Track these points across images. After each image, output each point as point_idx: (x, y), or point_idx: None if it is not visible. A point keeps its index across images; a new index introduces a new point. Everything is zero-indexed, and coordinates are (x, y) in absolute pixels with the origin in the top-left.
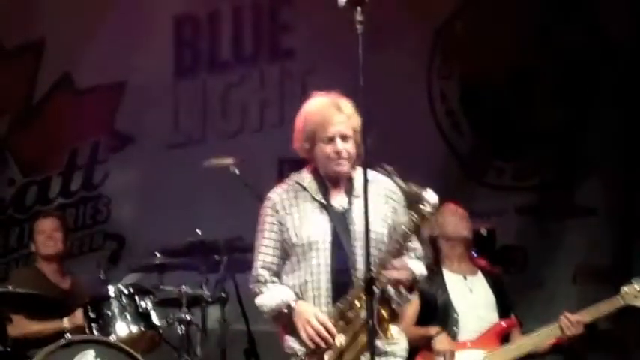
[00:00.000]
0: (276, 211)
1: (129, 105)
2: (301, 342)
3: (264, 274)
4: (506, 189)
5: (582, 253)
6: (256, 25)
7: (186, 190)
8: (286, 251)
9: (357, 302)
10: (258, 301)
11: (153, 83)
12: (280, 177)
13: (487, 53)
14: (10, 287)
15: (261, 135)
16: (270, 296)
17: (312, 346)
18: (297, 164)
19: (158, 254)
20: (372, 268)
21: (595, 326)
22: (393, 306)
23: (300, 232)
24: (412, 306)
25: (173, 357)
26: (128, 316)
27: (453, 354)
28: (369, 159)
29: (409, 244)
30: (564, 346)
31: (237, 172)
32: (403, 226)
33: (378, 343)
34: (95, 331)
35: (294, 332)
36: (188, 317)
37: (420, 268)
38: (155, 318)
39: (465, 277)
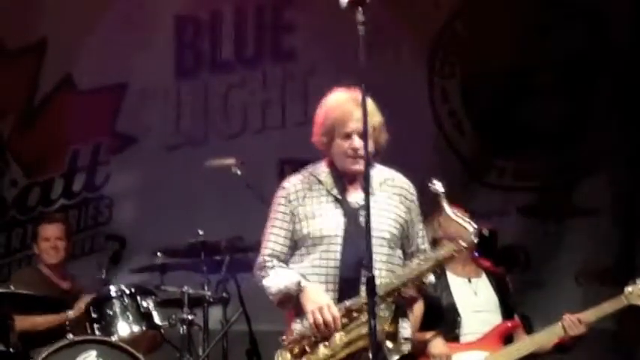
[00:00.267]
0: (290, 201)
1: (130, 106)
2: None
3: (272, 260)
4: (508, 189)
5: (584, 253)
6: (258, 25)
7: (188, 191)
8: (296, 242)
9: (366, 305)
10: (266, 282)
11: (154, 84)
12: (281, 178)
13: (488, 53)
14: (11, 288)
15: (263, 136)
16: (279, 277)
17: (315, 332)
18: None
19: (160, 255)
20: (381, 271)
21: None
22: (396, 329)
23: (312, 225)
24: (417, 311)
25: (175, 357)
26: (130, 317)
27: (449, 358)
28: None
29: (419, 246)
30: (567, 346)
31: (238, 172)
32: (437, 254)
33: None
34: (97, 332)
35: (300, 315)
36: (190, 317)
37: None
38: (157, 318)
39: (469, 280)
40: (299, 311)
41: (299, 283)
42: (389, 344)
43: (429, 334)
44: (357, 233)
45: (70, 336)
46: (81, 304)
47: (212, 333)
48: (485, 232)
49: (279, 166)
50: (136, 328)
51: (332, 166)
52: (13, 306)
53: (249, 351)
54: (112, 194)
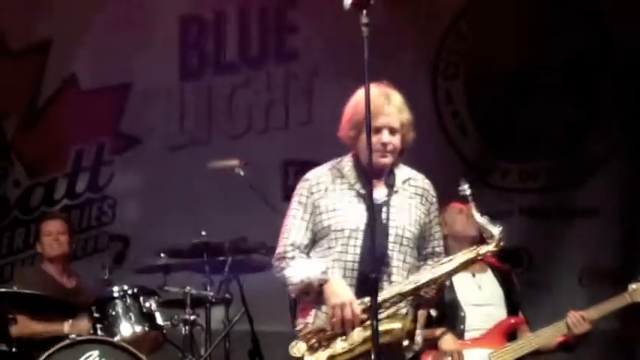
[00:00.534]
0: (312, 193)
1: (134, 106)
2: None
3: (293, 252)
4: (511, 190)
5: (587, 253)
6: (262, 26)
7: (191, 192)
8: (315, 234)
9: (387, 303)
10: (287, 272)
11: (158, 84)
12: (285, 179)
13: (492, 54)
14: (14, 287)
15: (267, 137)
16: (301, 267)
17: (333, 327)
18: (302, 166)
19: (163, 255)
20: (398, 269)
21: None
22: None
23: (333, 218)
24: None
25: (177, 357)
26: (132, 317)
27: (460, 354)
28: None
29: (436, 249)
30: (571, 345)
31: (242, 173)
32: (464, 256)
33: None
34: (100, 332)
35: (318, 306)
36: (192, 318)
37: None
38: (159, 319)
39: (473, 275)
40: (318, 302)
41: (324, 273)
42: (406, 342)
43: (438, 331)
44: (378, 229)
45: (73, 336)
46: (79, 327)
47: (214, 333)
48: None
49: (282, 166)
50: (138, 329)
51: (357, 160)
52: (15, 306)
53: (251, 351)
54: (116, 194)
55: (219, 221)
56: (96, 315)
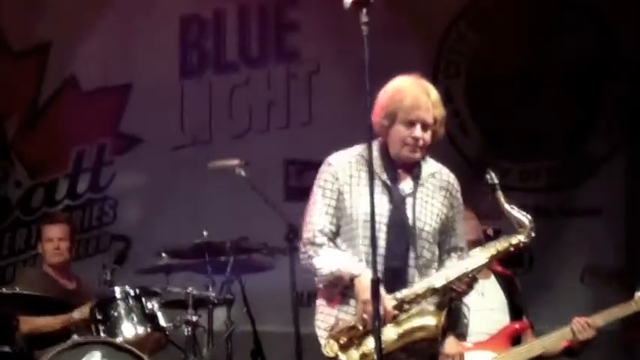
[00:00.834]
0: (337, 179)
1: (135, 106)
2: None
3: (321, 237)
4: (512, 190)
5: (589, 253)
6: (262, 26)
7: (193, 192)
8: (339, 220)
9: (420, 298)
10: (316, 262)
11: (159, 84)
12: (286, 178)
13: (494, 53)
14: (16, 289)
15: (268, 136)
16: (332, 258)
17: (365, 324)
18: (303, 166)
19: (164, 255)
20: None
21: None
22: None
23: (357, 207)
24: None
25: (179, 358)
26: (135, 318)
27: (462, 357)
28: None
29: (459, 244)
30: (575, 351)
31: (243, 173)
32: (495, 248)
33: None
34: (102, 333)
35: (345, 302)
36: (194, 319)
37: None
38: (161, 319)
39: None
40: (345, 295)
41: (355, 268)
42: (440, 339)
43: None
44: (402, 221)
45: (75, 337)
46: (86, 308)
47: (216, 334)
48: (490, 232)
49: (283, 166)
50: (140, 330)
51: (384, 149)
52: (17, 307)
53: (253, 352)
54: (117, 195)
55: (221, 221)
56: (98, 316)
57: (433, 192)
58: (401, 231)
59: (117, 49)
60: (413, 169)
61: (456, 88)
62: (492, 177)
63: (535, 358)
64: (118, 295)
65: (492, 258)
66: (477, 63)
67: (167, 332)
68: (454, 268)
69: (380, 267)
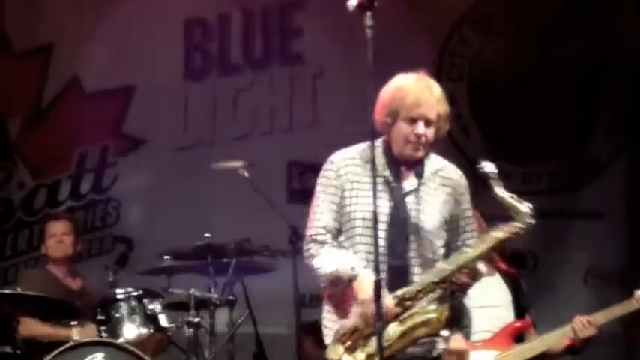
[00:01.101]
0: (339, 176)
1: (138, 108)
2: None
3: (325, 234)
4: (515, 193)
5: (592, 255)
6: (266, 28)
7: (195, 193)
8: (342, 217)
9: (421, 294)
10: (316, 262)
11: (162, 86)
12: (289, 181)
13: (495, 56)
14: (19, 289)
15: (271, 138)
16: (331, 258)
17: (365, 323)
18: (306, 168)
19: (167, 257)
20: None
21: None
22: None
23: (358, 205)
24: None
25: (181, 359)
26: (137, 319)
27: (467, 353)
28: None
29: (466, 241)
30: (577, 349)
31: (246, 175)
32: (493, 236)
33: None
34: (104, 334)
35: (344, 305)
36: (196, 320)
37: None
38: (163, 320)
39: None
40: (346, 296)
41: (353, 269)
42: (445, 333)
43: (444, 331)
44: (404, 219)
45: (77, 338)
46: (88, 330)
47: (218, 335)
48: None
49: (287, 168)
50: (142, 331)
51: (387, 146)
52: (19, 307)
53: (255, 354)
54: (120, 196)
55: (223, 223)
56: (100, 317)
57: (436, 189)
58: (402, 229)
59: (120, 50)
60: (416, 167)
61: (459, 91)
62: (487, 167)
63: (537, 356)
64: (120, 296)
65: (491, 247)
66: (479, 65)
67: (169, 333)
68: (453, 260)
69: (382, 266)
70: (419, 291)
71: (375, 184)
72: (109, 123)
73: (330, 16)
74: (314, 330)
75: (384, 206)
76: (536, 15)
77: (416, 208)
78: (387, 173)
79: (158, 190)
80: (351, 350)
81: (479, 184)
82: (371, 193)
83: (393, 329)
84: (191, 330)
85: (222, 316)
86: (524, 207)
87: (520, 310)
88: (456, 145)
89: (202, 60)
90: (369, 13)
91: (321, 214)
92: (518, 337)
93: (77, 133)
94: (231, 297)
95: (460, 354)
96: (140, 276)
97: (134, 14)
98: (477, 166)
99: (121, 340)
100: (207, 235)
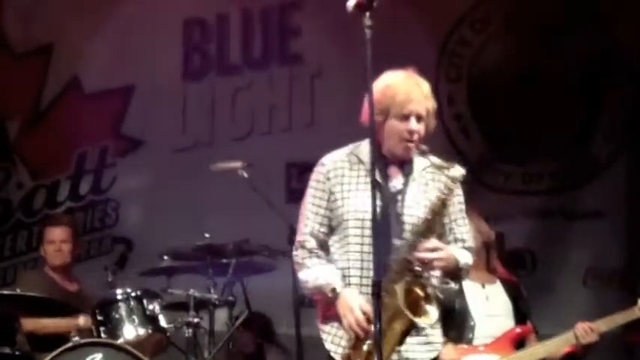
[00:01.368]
0: (328, 179)
1: (137, 108)
2: (338, 327)
3: (311, 240)
4: (515, 193)
5: (592, 256)
6: (265, 28)
7: (195, 194)
8: (331, 221)
9: (395, 287)
10: (302, 276)
11: (161, 87)
12: (289, 181)
13: (495, 57)
14: (18, 290)
15: (270, 138)
16: (316, 275)
17: (352, 334)
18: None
19: (166, 257)
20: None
21: None
22: (429, 291)
23: (347, 206)
24: None
25: None
26: (136, 320)
27: None
28: None
29: (457, 235)
30: (578, 356)
31: (245, 175)
32: (429, 203)
33: (418, 321)
34: (103, 334)
35: (331, 315)
36: (196, 320)
37: (464, 257)
38: (163, 321)
39: (482, 286)
40: (332, 311)
41: (334, 290)
42: (408, 313)
43: None
44: (392, 218)
45: (76, 338)
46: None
47: (218, 336)
48: (492, 235)
49: (286, 168)
50: (141, 331)
51: (377, 146)
52: (18, 308)
53: (255, 354)
54: (119, 197)
55: (223, 223)
56: (99, 317)
57: (426, 186)
58: (392, 228)
59: (120, 51)
60: (404, 165)
61: (458, 92)
62: (421, 148)
63: None
64: (119, 296)
65: (437, 205)
66: (479, 65)
67: (168, 334)
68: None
69: (372, 265)
70: (390, 287)
71: (374, 184)
72: (109, 123)
73: (328, 16)
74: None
75: (377, 204)
76: (536, 15)
77: (405, 206)
78: (376, 172)
79: (157, 191)
80: (356, 349)
81: (479, 184)
82: (360, 194)
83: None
84: (190, 330)
85: (221, 316)
86: (453, 166)
87: (521, 318)
88: (455, 145)
89: (201, 60)
90: (367, 14)
91: (307, 219)
92: (519, 343)
93: (76, 134)
94: (230, 297)
95: None
96: (139, 277)
97: (133, 15)
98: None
99: (120, 340)
100: (206, 235)
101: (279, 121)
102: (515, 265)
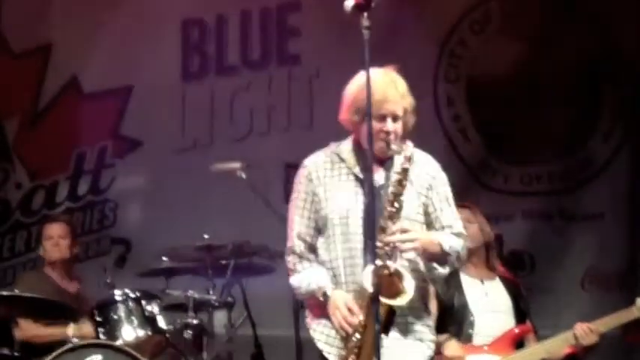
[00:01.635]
0: (310, 180)
1: (136, 109)
2: (330, 327)
3: (300, 245)
4: (514, 194)
5: (591, 257)
6: (264, 29)
7: (193, 195)
8: (317, 222)
9: (363, 274)
10: (294, 282)
11: (160, 87)
12: (288, 181)
13: (495, 57)
14: (16, 291)
15: (269, 139)
16: (308, 280)
17: (342, 332)
18: None
19: (165, 258)
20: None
21: None
22: (400, 270)
23: (332, 205)
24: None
25: None
26: (135, 321)
27: None
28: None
29: (443, 222)
30: (578, 357)
31: (244, 176)
32: (391, 186)
33: (389, 302)
34: (102, 336)
35: (324, 316)
36: (195, 322)
37: (450, 242)
38: (162, 322)
39: (482, 282)
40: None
41: (324, 294)
42: (371, 290)
43: (442, 337)
44: (378, 213)
45: (75, 340)
46: (84, 328)
47: (217, 337)
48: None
49: (285, 169)
50: (140, 333)
51: (356, 143)
52: (16, 309)
53: (254, 356)
54: (117, 197)
55: (222, 224)
56: (98, 319)
57: (412, 183)
58: (376, 224)
59: (118, 51)
60: (385, 161)
61: (456, 93)
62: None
63: None
64: (118, 297)
65: (395, 187)
66: (478, 66)
67: (167, 335)
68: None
69: (359, 261)
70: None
71: (372, 186)
72: (107, 124)
73: (327, 16)
74: None
75: (358, 202)
76: (536, 15)
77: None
78: (357, 169)
79: (156, 192)
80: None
81: (479, 184)
82: (344, 191)
83: (359, 323)
84: (189, 332)
85: (220, 317)
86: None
87: (521, 316)
88: (453, 146)
89: (200, 61)
90: (365, 14)
91: (294, 223)
92: (519, 343)
93: (75, 134)
94: (229, 299)
95: None
96: (138, 278)
97: (132, 15)
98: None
99: (119, 342)
100: (205, 236)
101: (277, 121)
102: (515, 267)
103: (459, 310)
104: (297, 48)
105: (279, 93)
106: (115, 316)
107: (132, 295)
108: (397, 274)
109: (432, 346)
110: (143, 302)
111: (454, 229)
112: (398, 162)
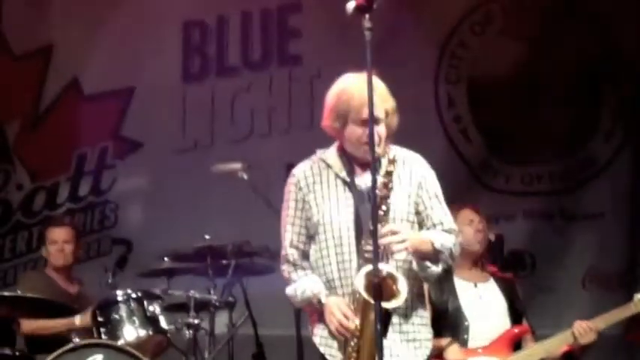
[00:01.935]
0: (300, 188)
1: (137, 110)
2: (329, 332)
3: (293, 253)
4: (515, 194)
5: (591, 257)
6: (264, 30)
7: (194, 195)
8: (309, 230)
9: (355, 278)
10: (289, 291)
11: (161, 88)
12: None
13: (495, 58)
14: (18, 292)
15: (270, 140)
16: (303, 288)
17: (340, 337)
18: None
19: (166, 259)
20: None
21: None
22: (392, 273)
23: (322, 211)
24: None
25: None
26: (136, 321)
27: None
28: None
29: (434, 220)
30: (576, 355)
31: (245, 177)
32: (377, 189)
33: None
34: (103, 336)
35: (323, 322)
36: (196, 322)
37: (441, 239)
38: (163, 322)
39: (475, 285)
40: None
41: (319, 301)
42: (368, 297)
43: (444, 341)
44: (367, 217)
45: (77, 340)
46: (88, 316)
47: (218, 337)
48: (492, 237)
49: (285, 170)
50: (142, 333)
51: (341, 149)
52: (18, 310)
53: (255, 355)
54: (118, 198)
55: (223, 225)
56: (100, 319)
57: (396, 178)
58: (367, 225)
59: (119, 52)
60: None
61: (458, 93)
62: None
63: None
64: (119, 298)
65: (380, 189)
66: (479, 67)
67: (168, 335)
68: None
69: (354, 264)
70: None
71: (374, 187)
72: (108, 125)
73: (328, 17)
74: None
75: (349, 206)
76: (536, 16)
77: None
78: (344, 174)
79: (157, 192)
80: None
81: (480, 185)
82: (332, 196)
83: (355, 327)
84: (191, 332)
85: (221, 317)
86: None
87: (516, 316)
88: (455, 147)
89: (201, 62)
90: (367, 16)
91: (286, 232)
92: (517, 344)
93: (76, 135)
94: (230, 299)
95: None
96: (140, 278)
97: (133, 16)
98: None
99: (120, 342)
100: (206, 237)
101: (278, 122)
102: (515, 266)
103: (453, 315)
104: (297, 49)
105: (280, 94)
106: (117, 316)
107: (133, 295)
108: (390, 277)
109: (429, 345)
110: (145, 302)
111: (445, 225)
112: (384, 165)
